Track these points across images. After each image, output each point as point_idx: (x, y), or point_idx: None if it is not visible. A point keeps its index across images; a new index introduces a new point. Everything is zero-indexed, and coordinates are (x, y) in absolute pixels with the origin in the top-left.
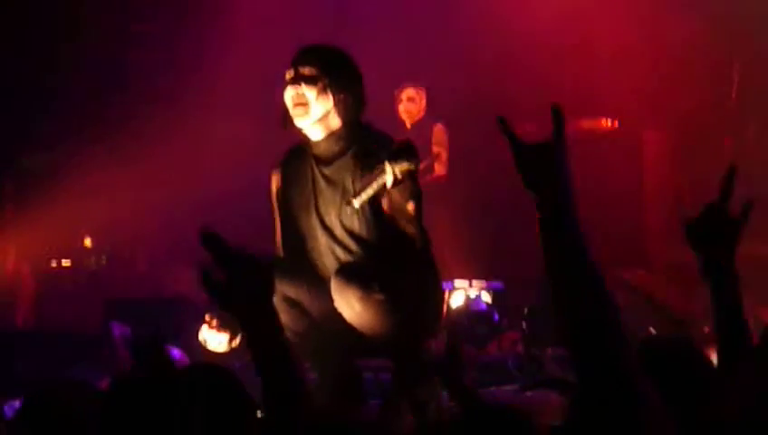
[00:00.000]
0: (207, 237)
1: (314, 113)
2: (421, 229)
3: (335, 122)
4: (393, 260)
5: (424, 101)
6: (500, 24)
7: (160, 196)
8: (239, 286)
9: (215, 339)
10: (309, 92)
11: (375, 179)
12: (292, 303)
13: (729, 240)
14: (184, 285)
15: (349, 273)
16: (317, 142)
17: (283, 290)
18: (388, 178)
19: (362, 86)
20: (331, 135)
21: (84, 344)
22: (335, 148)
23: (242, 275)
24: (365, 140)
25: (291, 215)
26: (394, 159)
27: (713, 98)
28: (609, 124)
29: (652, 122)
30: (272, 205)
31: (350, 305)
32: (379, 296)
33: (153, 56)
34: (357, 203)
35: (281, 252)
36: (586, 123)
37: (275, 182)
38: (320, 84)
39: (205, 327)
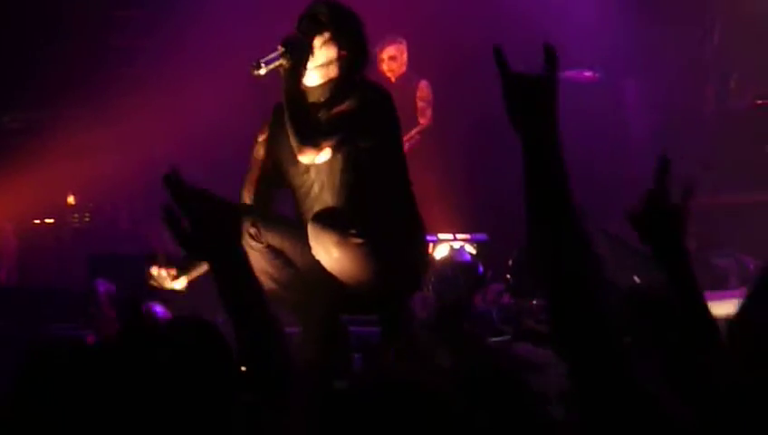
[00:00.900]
0: (168, 180)
1: (317, 58)
2: (404, 181)
3: (333, 73)
4: (375, 208)
5: (405, 55)
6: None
7: (142, 154)
8: (203, 228)
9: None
10: (317, 38)
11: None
12: (276, 252)
13: (674, 227)
14: (166, 242)
15: (326, 218)
16: (312, 88)
17: (268, 239)
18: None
19: (366, 49)
20: (327, 83)
21: (68, 301)
22: (326, 96)
23: (205, 216)
24: (353, 91)
25: (278, 165)
26: (291, 44)
27: (695, 47)
28: (591, 75)
29: (633, 72)
30: (252, 156)
31: (327, 251)
32: (357, 240)
33: (138, 15)
34: (264, 70)
35: (252, 201)
36: (569, 74)
37: (262, 135)
38: (326, 34)
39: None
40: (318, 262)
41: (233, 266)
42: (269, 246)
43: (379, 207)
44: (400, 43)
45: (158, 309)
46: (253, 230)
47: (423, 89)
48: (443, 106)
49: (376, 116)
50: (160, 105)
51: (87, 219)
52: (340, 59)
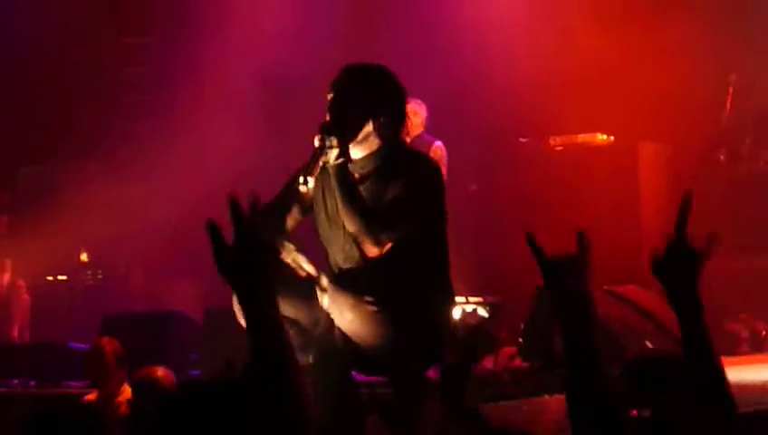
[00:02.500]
0: (233, 199)
1: (355, 134)
2: (442, 251)
3: (375, 144)
4: (404, 276)
5: (422, 117)
6: (499, 42)
7: (156, 212)
8: (245, 253)
9: None
10: (350, 114)
11: (318, 158)
12: (290, 322)
13: (689, 271)
14: (178, 301)
15: (344, 280)
16: (356, 161)
17: (284, 309)
18: (332, 153)
19: (402, 105)
20: (371, 155)
21: (80, 358)
22: (371, 167)
23: (252, 243)
24: (395, 159)
25: (321, 227)
26: (330, 132)
27: (708, 113)
28: (605, 138)
29: (648, 136)
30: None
31: (341, 312)
32: (372, 307)
33: (150, 70)
34: (311, 182)
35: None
36: (581, 137)
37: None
38: (359, 106)
39: None
40: (333, 323)
41: (257, 299)
42: (284, 317)
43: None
44: (418, 103)
45: (161, 372)
46: None
47: (435, 150)
48: (455, 167)
49: (428, 193)
50: (175, 162)
51: (100, 277)
52: (378, 128)
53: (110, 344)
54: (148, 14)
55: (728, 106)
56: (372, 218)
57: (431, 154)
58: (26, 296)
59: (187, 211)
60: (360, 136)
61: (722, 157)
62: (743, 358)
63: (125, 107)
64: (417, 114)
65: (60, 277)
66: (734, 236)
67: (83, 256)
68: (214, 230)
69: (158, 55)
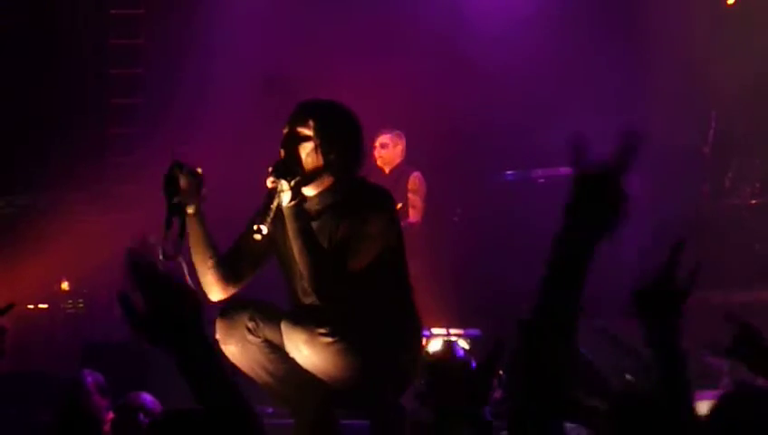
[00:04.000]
0: (132, 259)
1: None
2: (401, 280)
3: (328, 181)
4: (362, 307)
5: (400, 147)
6: (477, 72)
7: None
8: (163, 315)
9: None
10: (302, 151)
11: (272, 201)
12: (273, 347)
13: (675, 308)
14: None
15: (297, 315)
16: (310, 198)
17: (265, 334)
18: (285, 196)
19: (358, 142)
20: (325, 191)
21: (61, 388)
22: (325, 203)
23: (166, 301)
24: (352, 195)
25: (281, 261)
26: (282, 174)
27: (690, 147)
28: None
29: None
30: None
31: (297, 348)
32: (326, 340)
33: (137, 102)
34: (265, 229)
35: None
36: (565, 170)
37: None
38: (309, 144)
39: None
40: None
41: (192, 355)
42: (266, 341)
43: (365, 305)
44: (397, 134)
45: (148, 398)
46: (251, 324)
47: (413, 180)
48: (436, 198)
49: (381, 226)
50: (156, 193)
51: (81, 305)
52: (329, 164)
53: (91, 375)
54: (135, 48)
55: (710, 139)
56: (323, 271)
57: (409, 184)
58: (7, 324)
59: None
60: (313, 173)
61: (705, 189)
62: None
63: (108, 137)
64: (396, 145)
65: (41, 306)
66: (715, 268)
67: (64, 285)
68: (125, 302)
69: (146, 86)
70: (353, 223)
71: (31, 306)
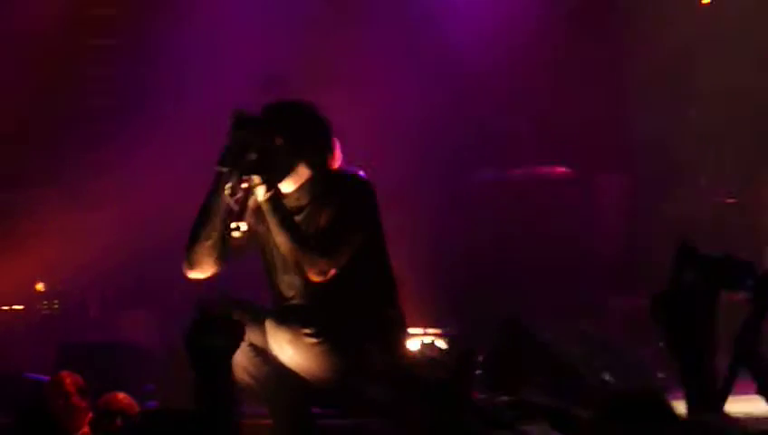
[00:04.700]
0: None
1: (282, 169)
2: (383, 270)
3: (305, 174)
4: (340, 304)
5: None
6: (454, 69)
7: (112, 240)
8: (206, 340)
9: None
10: (274, 151)
11: (247, 197)
12: (257, 350)
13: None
14: (136, 330)
15: (282, 315)
16: (288, 194)
17: (251, 338)
18: (259, 190)
19: (324, 133)
20: (303, 185)
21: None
22: (305, 199)
23: (212, 330)
24: (330, 185)
25: (264, 258)
26: (246, 172)
27: (668, 146)
28: (565, 170)
29: (607, 167)
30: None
31: (281, 348)
32: (311, 340)
33: (105, 100)
34: (244, 226)
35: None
36: (540, 170)
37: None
38: (281, 140)
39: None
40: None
41: (219, 376)
42: (251, 344)
43: (348, 304)
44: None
45: (124, 399)
46: None
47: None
48: (411, 198)
49: (361, 208)
50: (131, 192)
51: (56, 306)
52: (305, 160)
53: (69, 377)
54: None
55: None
56: (310, 246)
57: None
58: None
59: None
60: (288, 170)
61: (681, 188)
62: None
63: (87, 136)
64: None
65: (15, 307)
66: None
67: (39, 286)
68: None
69: (121, 85)
70: (334, 209)
71: (6, 308)
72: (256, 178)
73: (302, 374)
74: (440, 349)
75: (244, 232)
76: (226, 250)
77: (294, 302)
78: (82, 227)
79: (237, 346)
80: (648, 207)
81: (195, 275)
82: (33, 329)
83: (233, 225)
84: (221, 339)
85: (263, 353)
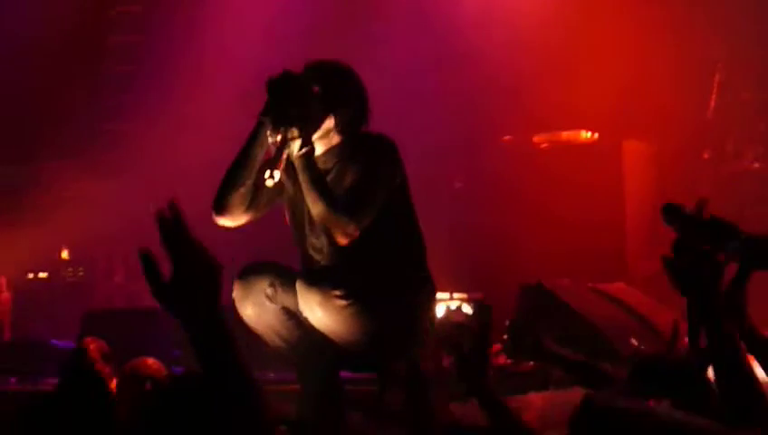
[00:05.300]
0: (163, 218)
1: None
2: (412, 234)
3: (335, 138)
4: (371, 266)
5: None
6: (477, 36)
7: (137, 207)
8: (185, 284)
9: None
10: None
11: (284, 148)
12: (289, 314)
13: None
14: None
15: (312, 276)
16: (317, 157)
17: (283, 301)
18: (296, 144)
19: (363, 101)
20: (330, 150)
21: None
22: (332, 162)
23: (191, 272)
24: (356, 147)
25: (292, 218)
26: (288, 124)
27: (693, 111)
28: (589, 135)
29: (632, 132)
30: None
31: (311, 310)
32: (341, 302)
33: (128, 68)
34: (278, 175)
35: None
36: (565, 135)
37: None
38: (320, 103)
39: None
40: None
41: (207, 330)
42: (283, 308)
43: (379, 265)
44: None
45: (153, 363)
46: (269, 291)
47: None
48: (437, 164)
49: (387, 165)
50: (156, 159)
51: (81, 274)
52: (338, 124)
53: (93, 343)
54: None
55: (713, 104)
56: (339, 206)
57: None
58: (7, 294)
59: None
60: (321, 131)
61: (706, 155)
62: None
63: (107, 105)
64: None
65: (41, 275)
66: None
67: (64, 254)
68: (147, 261)
69: (144, 54)
70: (358, 169)
71: (31, 276)
72: (295, 131)
73: (331, 337)
74: (466, 314)
75: (276, 182)
76: (258, 201)
77: (323, 264)
78: (108, 195)
79: (219, 292)
80: (673, 173)
81: (224, 221)
82: (58, 296)
83: (267, 173)
84: (207, 290)
85: (295, 317)
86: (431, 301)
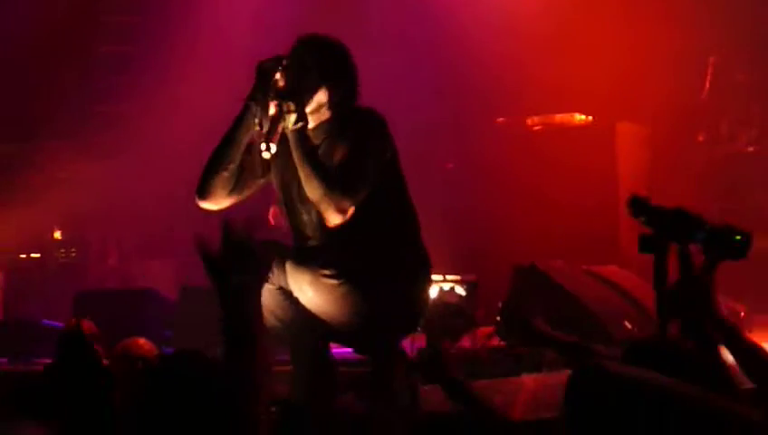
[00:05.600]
0: (226, 230)
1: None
2: (405, 212)
3: (325, 114)
4: (361, 245)
5: None
6: (472, 17)
7: (130, 189)
8: (235, 270)
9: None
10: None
11: (279, 122)
12: (286, 294)
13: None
14: (151, 278)
15: (301, 256)
16: (309, 131)
17: (280, 281)
18: (291, 118)
19: (354, 78)
20: (320, 125)
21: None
22: (321, 138)
23: (241, 261)
24: (346, 123)
25: (283, 196)
26: (283, 97)
27: (687, 93)
28: (583, 118)
29: (626, 115)
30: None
31: (301, 289)
32: (331, 281)
33: (123, 48)
34: (273, 148)
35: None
36: (559, 117)
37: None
38: (312, 77)
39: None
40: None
41: (246, 314)
42: (280, 288)
43: (370, 245)
44: None
45: (144, 344)
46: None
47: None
48: (430, 145)
49: (377, 138)
50: (149, 140)
51: (73, 254)
52: (330, 99)
53: (84, 324)
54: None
55: (707, 86)
56: (333, 181)
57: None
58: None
59: (161, 190)
60: (313, 105)
61: (701, 137)
62: None
63: (101, 86)
64: None
65: (33, 255)
66: (712, 216)
67: (57, 234)
68: (202, 247)
69: (138, 36)
70: (349, 144)
71: (23, 256)
72: (291, 105)
73: (322, 316)
74: (459, 295)
75: (273, 154)
76: (241, 185)
77: (314, 241)
78: (100, 176)
79: (267, 275)
80: (667, 156)
81: (206, 205)
82: (49, 277)
83: (263, 145)
84: (251, 265)
85: (290, 296)
86: (426, 281)
